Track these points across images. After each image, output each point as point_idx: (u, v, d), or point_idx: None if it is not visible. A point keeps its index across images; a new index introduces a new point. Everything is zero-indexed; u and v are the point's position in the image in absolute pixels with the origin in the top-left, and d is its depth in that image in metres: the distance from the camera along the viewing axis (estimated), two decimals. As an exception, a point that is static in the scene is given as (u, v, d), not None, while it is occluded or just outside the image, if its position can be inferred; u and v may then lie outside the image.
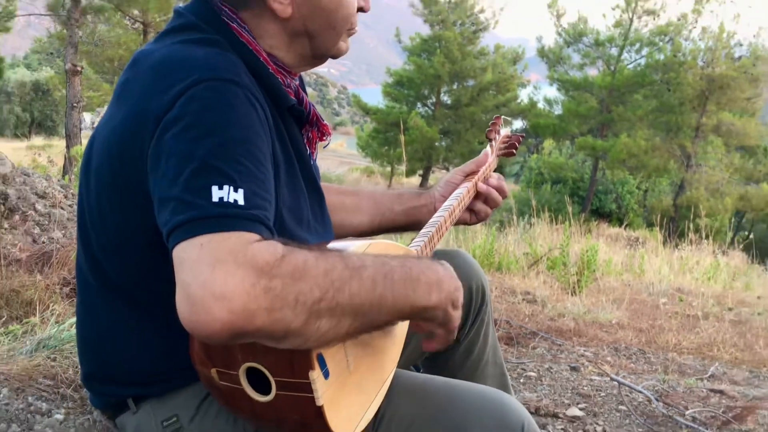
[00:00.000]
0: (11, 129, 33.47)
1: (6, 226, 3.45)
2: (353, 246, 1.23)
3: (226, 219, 1.00)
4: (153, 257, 1.18)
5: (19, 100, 35.22)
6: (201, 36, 1.25)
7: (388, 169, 29.25)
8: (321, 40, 1.34)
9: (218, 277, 0.94)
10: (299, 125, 1.37)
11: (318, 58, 1.38)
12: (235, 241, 0.97)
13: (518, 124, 29.38)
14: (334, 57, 1.40)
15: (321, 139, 1.44)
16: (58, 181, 4.95)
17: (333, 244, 1.25)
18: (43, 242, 3.45)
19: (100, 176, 1.24)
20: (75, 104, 16.46)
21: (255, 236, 1.00)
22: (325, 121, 1.42)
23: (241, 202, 1.02)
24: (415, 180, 29.35)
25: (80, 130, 16.81)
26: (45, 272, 2.90)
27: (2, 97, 34.57)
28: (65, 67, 16.93)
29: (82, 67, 17.45)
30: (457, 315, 1.22)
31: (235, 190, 1.02)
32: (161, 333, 1.25)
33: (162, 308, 1.20)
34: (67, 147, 15.84)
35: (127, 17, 20.61)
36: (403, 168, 27.43)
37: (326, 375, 1.10)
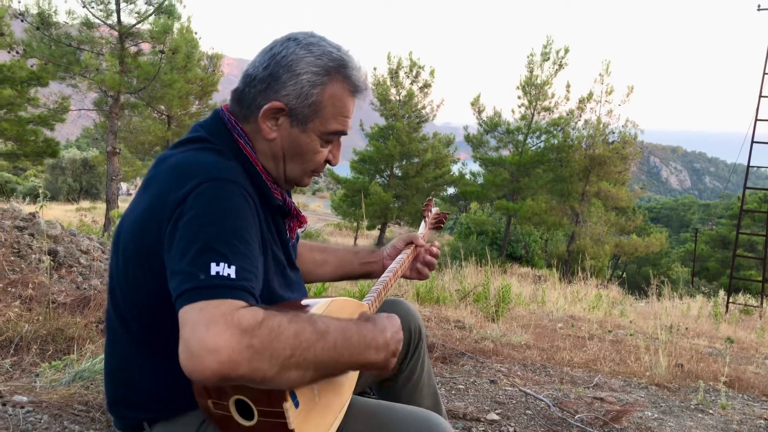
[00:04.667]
0: (64, 195, 33.20)
1: (55, 276, 3.36)
2: (319, 303, 1.22)
3: (220, 289, 0.99)
4: (162, 311, 1.16)
5: (71, 173, 35.09)
6: (211, 146, 1.24)
7: (355, 224, 29.18)
8: (290, 168, 1.31)
9: (211, 335, 0.93)
10: (283, 217, 1.37)
11: (289, 183, 1.35)
12: (227, 307, 0.97)
13: (451, 190, 29.74)
14: (299, 185, 1.36)
15: (300, 227, 1.43)
16: (98, 239, 4.85)
17: (305, 301, 1.25)
18: (85, 288, 3.36)
19: (127, 248, 1.22)
20: (114, 177, 16.29)
21: (242, 303, 0.99)
22: (303, 213, 1.41)
23: (233, 275, 1.02)
24: (375, 232, 29.33)
25: (117, 196, 16.64)
26: (84, 313, 2.82)
27: (58, 170, 34.38)
28: (107, 149, 16.79)
29: (120, 149, 17.32)
30: (394, 361, 1.19)
31: (229, 267, 1.02)
32: (169, 369, 1.21)
33: (169, 350, 1.18)
34: (107, 209, 15.70)
35: (155, 111, 20.57)
36: (365, 224, 27.46)
37: (296, 405, 1.08)
